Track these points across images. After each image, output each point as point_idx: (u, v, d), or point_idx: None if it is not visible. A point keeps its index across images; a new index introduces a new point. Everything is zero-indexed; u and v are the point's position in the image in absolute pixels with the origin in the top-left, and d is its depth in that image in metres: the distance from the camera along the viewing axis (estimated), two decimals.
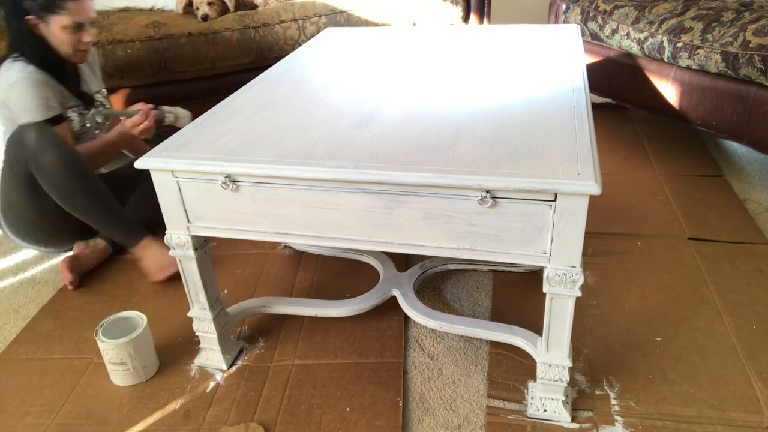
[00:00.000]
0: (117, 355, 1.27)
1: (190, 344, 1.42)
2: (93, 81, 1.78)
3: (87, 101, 1.71)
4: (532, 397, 1.19)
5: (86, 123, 1.66)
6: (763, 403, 1.17)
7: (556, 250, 0.98)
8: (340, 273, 1.65)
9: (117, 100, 2.24)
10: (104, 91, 1.83)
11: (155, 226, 1.56)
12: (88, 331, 1.49)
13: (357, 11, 2.52)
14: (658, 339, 1.34)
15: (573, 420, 1.16)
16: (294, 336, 1.43)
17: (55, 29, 1.52)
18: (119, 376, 1.31)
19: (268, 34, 2.34)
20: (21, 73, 1.50)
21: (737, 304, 1.43)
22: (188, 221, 1.15)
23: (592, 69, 2.26)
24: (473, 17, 2.66)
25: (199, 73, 2.29)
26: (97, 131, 1.73)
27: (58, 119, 1.56)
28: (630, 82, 2.15)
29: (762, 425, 1.12)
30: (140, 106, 1.66)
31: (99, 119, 1.73)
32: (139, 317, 1.33)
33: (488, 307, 1.49)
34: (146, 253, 1.61)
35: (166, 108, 1.72)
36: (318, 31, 2.42)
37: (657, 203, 1.87)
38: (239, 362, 1.36)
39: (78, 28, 1.55)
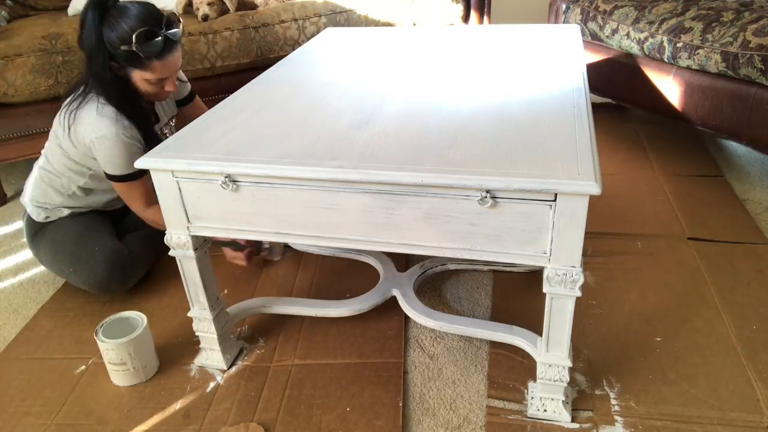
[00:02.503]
0: (117, 355, 1.27)
1: (190, 344, 1.42)
2: (166, 111, 1.70)
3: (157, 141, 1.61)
4: (532, 397, 1.19)
5: None
6: (763, 403, 1.17)
7: (556, 250, 0.98)
8: (340, 273, 1.65)
9: None
10: (174, 119, 1.74)
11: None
12: (88, 331, 1.49)
13: (357, 11, 2.52)
14: (658, 339, 1.34)
15: (573, 420, 1.16)
16: (294, 336, 1.43)
17: (137, 80, 1.45)
18: (119, 377, 1.31)
19: (268, 34, 2.34)
20: (112, 129, 1.42)
21: (737, 304, 1.43)
22: (188, 221, 1.15)
23: (592, 69, 2.26)
24: (473, 16, 2.66)
25: (199, 73, 2.28)
26: None
27: (140, 174, 1.49)
28: (630, 82, 2.15)
29: (762, 425, 1.12)
30: (244, 243, 1.59)
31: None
32: (139, 317, 1.33)
33: (488, 307, 1.49)
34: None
35: (265, 244, 1.68)
36: (318, 31, 2.42)
37: (657, 203, 1.87)
38: (239, 362, 1.36)
39: (162, 81, 1.47)
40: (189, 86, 1.76)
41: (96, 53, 1.39)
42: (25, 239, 1.69)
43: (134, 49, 1.36)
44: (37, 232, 1.61)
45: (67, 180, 1.56)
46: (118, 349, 1.26)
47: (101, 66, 1.41)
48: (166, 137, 1.65)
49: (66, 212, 1.60)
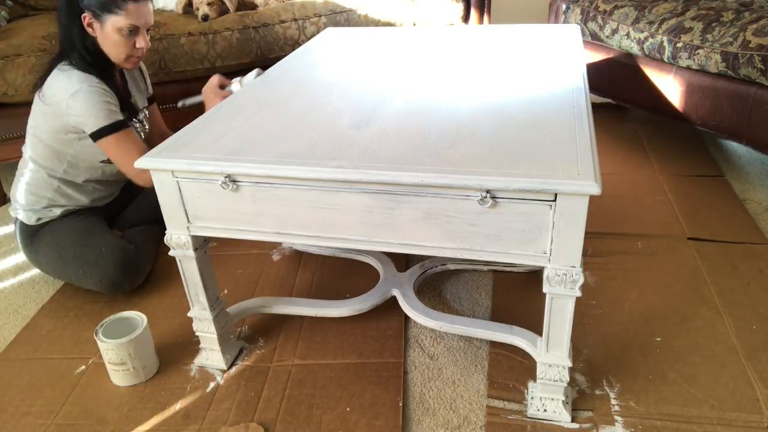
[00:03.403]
0: (117, 355, 1.27)
1: (190, 344, 1.42)
2: (138, 97, 1.69)
3: (132, 115, 1.62)
4: (532, 397, 1.19)
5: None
6: (763, 403, 1.17)
7: (556, 250, 0.98)
8: (340, 273, 1.65)
9: None
10: (147, 105, 1.74)
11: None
12: (88, 331, 1.49)
13: (357, 11, 2.52)
14: (658, 339, 1.34)
15: (573, 420, 1.16)
16: (294, 336, 1.43)
17: (110, 30, 1.44)
18: (119, 377, 1.31)
19: (268, 34, 2.34)
20: (84, 83, 1.43)
21: (737, 304, 1.43)
22: (188, 221, 1.15)
23: (592, 69, 2.26)
24: (474, 15, 2.66)
25: (199, 73, 2.28)
26: None
27: (124, 123, 1.50)
28: (630, 82, 2.15)
29: (762, 425, 1.12)
30: (216, 80, 1.63)
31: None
32: (138, 317, 1.33)
33: (488, 307, 1.49)
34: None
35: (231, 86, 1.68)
36: (318, 31, 2.42)
37: (657, 203, 1.87)
38: (239, 362, 1.36)
39: (134, 31, 1.46)
40: (151, 88, 1.78)
41: (66, 6, 1.43)
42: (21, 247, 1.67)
43: None
44: (32, 237, 1.60)
45: (47, 173, 1.55)
46: (118, 349, 1.26)
47: (70, 20, 1.43)
48: (144, 126, 1.67)
49: (58, 212, 1.59)
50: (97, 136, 1.46)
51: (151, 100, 1.76)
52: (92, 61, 1.47)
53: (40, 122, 1.51)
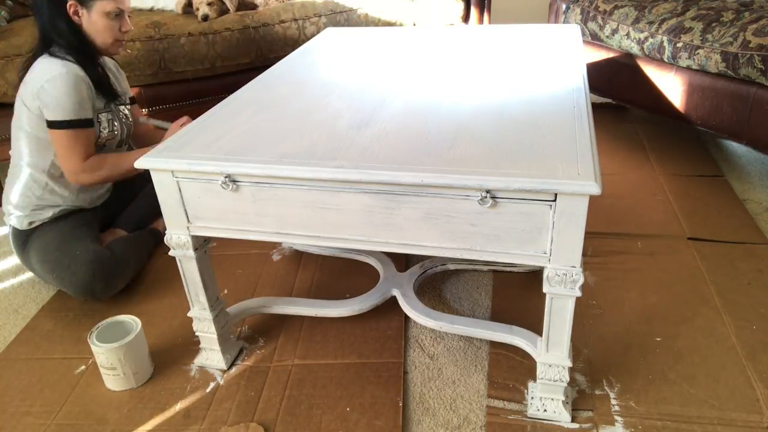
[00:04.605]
0: (107, 360, 1.26)
1: (190, 344, 1.42)
2: (123, 91, 1.72)
3: (114, 103, 1.66)
4: (532, 397, 1.19)
5: (114, 129, 1.63)
6: (763, 403, 1.17)
7: (556, 250, 0.98)
8: (340, 273, 1.65)
9: None
10: (128, 104, 1.77)
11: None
12: (87, 332, 1.49)
13: (357, 11, 2.52)
14: (658, 339, 1.34)
15: (573, 420, 1.16)
16: (294, 336, 1.43)
17: (97, 15, 1.50)
18: (111, 381, 1.30)
19: (268, 34, 2.34)
20: (64, 69, 1.46)
21: (737, 304, 1.43)
22: (188, 221, 1.15)
23: (592, 69, 2.26)
24: (474, 14, 2.66)
25: (199, 73, 2.29)
26: (120, 138, 1.68)
27: (87, 123, 1.52)
28: (630, 82, 2.15)
29: (762, 425, 1.12)
30: (185, 120, 1.63)
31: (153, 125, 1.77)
32: (133, 322, 1.32)
33: (488, 307, 1.49)
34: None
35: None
36: (318, 31, 2.42)
37: (657, 203, 1.87)
38: (239, 362, 1.36)
39: (119, 15, 1.54)
40: (129, 91, 1.80)
41: (48, 1, 1.47)
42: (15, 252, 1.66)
43: None
44: (24, 242, 1.59)
45: (36, 170, 1.55)
46: (108, 354, 1.26)
47: (55, 9, 1.47)
48: (128, 120, 1.70)
49: (49, 213, 1.58)
50: (56, 125, 1.48)
51: (132, 101, 1.79)
52: (79, 46, 1.51)
53: (22, 111, 1.52)
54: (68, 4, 1.47)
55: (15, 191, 1.57)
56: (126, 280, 1.61)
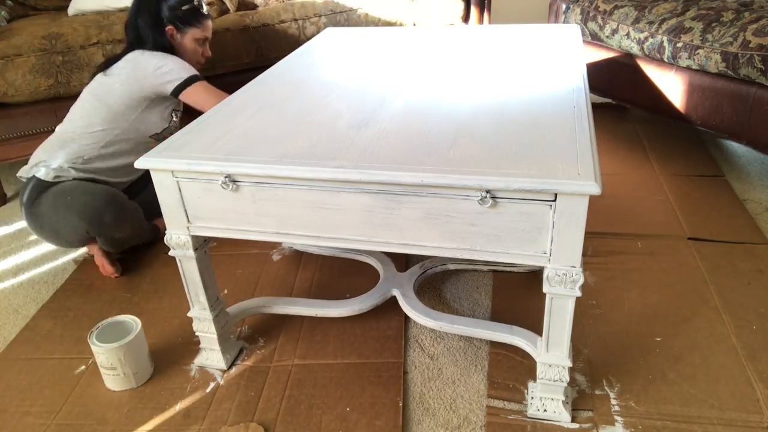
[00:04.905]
0: (107, 360, 1.26)
1: (190, 344, 1.42)
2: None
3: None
4: (532, 397, 1.19)
5: (172, 129, 1.82)
6: (763, 403, 1.17)
7: (556, 250, 0.98)
8: (340, 273, 1.65)
9: None
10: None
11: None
12: (87, 332, 1.49)
13: (357, 11, 2.52)
14: (658, 339, 1.34)
15: (573, 420, 1.16)
16: (294, 336, 1.43)
17: (188, 40, 1.78)
18: (111, 381, 1.30)
19: (268, 34, 2.34)
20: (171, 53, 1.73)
21: (737, 304, 1.43)
22: (188, 221, 1.15)
23: (592, 69, 2.26)
24: (474, 14, 2.66)
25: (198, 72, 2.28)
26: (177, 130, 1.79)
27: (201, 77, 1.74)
28: (630, 82, 2.15)
29: (762, 425, 1.12)
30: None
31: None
32: (133, 322, 1.32)
33: (488, 307, 1.49)
34: None
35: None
36: (318, 31, 2.42)
37: (657, 203, 1.87)
38: (239, 362, 1.36)
39: (205, 42, 1.82)
40: None
41: (150, 21, 1.71)
42: (24, 219, 1.68)
43: (195, 3, 1.75)
44: (41, 192, 1.61)
45: (100, 129, 1.67)
46: (108, 354, 1.26)
47: (156, 33, 1.72)
48: (176, 123, 1.86)
49: (80, 175, 1.64)
50: (187, 82, 1.68)
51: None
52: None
53: (112, 88, 1.69)
54: (167, 28, 1.73)
55: (61, 152, 1.64)
56: (133, 229, 1.68)
